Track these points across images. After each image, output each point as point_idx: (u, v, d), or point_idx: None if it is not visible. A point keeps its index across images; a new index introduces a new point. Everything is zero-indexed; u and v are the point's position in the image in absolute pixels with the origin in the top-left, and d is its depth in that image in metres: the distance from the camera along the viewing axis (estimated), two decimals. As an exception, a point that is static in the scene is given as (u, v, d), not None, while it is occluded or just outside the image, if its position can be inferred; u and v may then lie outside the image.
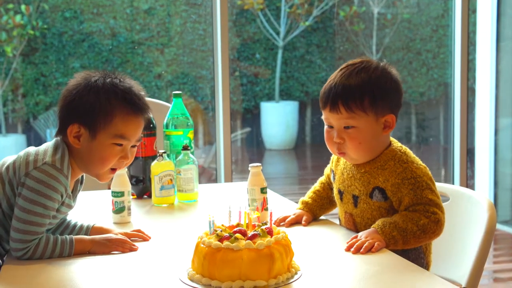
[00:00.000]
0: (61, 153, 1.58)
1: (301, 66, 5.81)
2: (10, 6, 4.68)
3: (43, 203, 1.53)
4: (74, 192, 1.69)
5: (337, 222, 1.87)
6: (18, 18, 4.66)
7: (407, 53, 5.79)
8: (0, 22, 4.68)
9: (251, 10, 5.57)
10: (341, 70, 1.67)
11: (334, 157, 1.84)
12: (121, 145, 1.60)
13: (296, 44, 5.76)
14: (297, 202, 2.00)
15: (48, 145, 1.62)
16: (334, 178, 1.83)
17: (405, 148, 1.70)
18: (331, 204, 1.90)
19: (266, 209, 1.87)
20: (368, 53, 5.68)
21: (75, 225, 1.72)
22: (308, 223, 1.84)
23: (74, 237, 1.60)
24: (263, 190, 1.88)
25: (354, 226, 1.75)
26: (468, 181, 4.17)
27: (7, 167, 1.59)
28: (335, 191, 1.81)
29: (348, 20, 5.65)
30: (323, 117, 1.70)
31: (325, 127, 1.71)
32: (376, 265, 1.48)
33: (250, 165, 1.90)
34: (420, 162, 1.68)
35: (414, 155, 1.70)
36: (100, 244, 1.59)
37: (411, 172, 1.63)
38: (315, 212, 1.89)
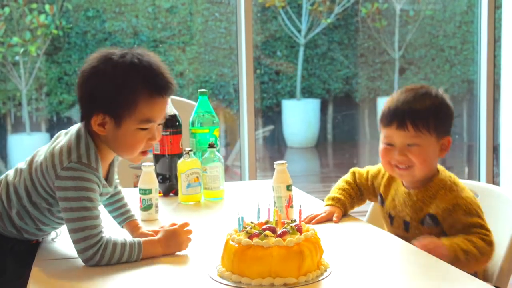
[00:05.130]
0: (85, 146, 1.53)
1: (323, 63, 5.79)
2: (34, 6, 4.73)
3: (86, 196, 1.49)
4: (111, 175, 1.64)
5: (364, 219, 1.86)
6: (42, 17, 4.70)
7: (430, 49, 5.74)
8: (25, 22, 4.73)
9: (272, 8, 5.57)
10: (403, 93, 1.75)
11: (383, 181, 1.86)
12: (147, 128, 1.55)
13: (317, 41, 5.74)
14: (321, 200, 2.00)
15: (70, 139, 1.55)
16: (383, 203, 1.86)
17: (454, 177, 1.77)
18: (358, 200, 1.93)
19: (292, 207, 1.87)
20: (390, 50, 5.65)
21: (124, 206, 1.73)
22: (339, 220, 1.85)
23: (143, 240, 1.53)
24: (288, 188, 1.88)
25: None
26: (494, 178, 4.13)
27: (36, 169, 1.57)
28: (385, 215, 1.85)
29: (370, 17, 5.61)
30: (382, 135, 1.76)
31: (382, 145, 1.76)
32: (407, 264, 1.47)
33: (276, 162, 1.90)
34: (469, 192, 1.73)
35: (463, 185, 1.75)
36: (174, 246, 1.55)
37: (462, 199, 1.68)
38: (346, 207, 1.89)
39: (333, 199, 1.91)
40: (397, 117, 1.71)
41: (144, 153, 1.60)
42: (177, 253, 1.56)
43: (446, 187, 1.72)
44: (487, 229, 1.66)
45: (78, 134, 1.56)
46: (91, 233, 1.48)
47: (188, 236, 1.58)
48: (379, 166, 1.90)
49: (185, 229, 1.59)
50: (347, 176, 1.97)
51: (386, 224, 1.86)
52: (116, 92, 1.51)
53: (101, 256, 1.47)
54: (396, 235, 1.77)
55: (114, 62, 1.52)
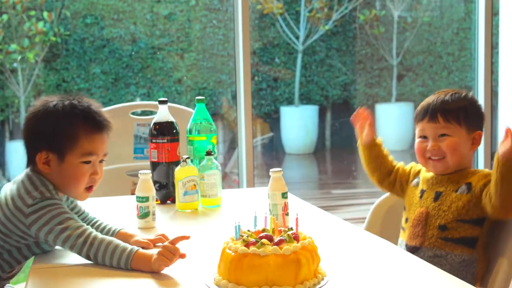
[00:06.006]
0: (41, 184, 1.61)
1: (321, 70, 5.80)
2: (33, 13, 4.74)
3: (61, 211, 1.57)
4: None
5: (363, 227, 1.86)
6: (40, 24, 4.71)
7: (428, 56, 5.75)
8: (23, 29, 4.74)
9: (270, 15, 5.58)
10: (435, 94, 1.93)
11: (421, 168, 1.98)
12: (89, 162, 1.64)
13: (315, 48, 5.75)
14: (318, 207, 2.03)
15: (23, 183, 1.62)
16: (418, 183, 1.95)
17: None
18: (382, 160, 2.03)
19: (287, 214, 1.86)
20: (389, 56, 5.66)
21: (104, 228, 1.73)
22: (369, 122, 2.00)
23: (138, 251, 1.51)
24: (284, 195, 1.87)
25: (425, 222, 1.84)
26: (492, 185, 4.11)
27: None
28: (415, 192, 1.93)
29: (368, 23, 5.63)
30: (417, 130, 1.92)
31: (417, 140, 1.91)
32: (405, 273, 1.47)
33: (271, 170, 1.90)
34: None
35: None
36: (160, 261, 1.47)
37: None
38: (377, 140, 2.02)
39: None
40: (429, 111, 1.88)
41: (89, 189, 1.68)
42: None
43: (486, 171, 1.86)
44: None
45: (29, 177, 1.63)
46: (79, 231, 1.54)
47: (175, 252, 1.49)
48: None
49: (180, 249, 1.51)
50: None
51: (414, 202, 1.91)
52: (57, 127, 1.62)
53: (97, 246, 1.51)
54: (421, 207, 1.86)
55: (54, 103, 1.64)
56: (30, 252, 1.65)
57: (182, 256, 1.50)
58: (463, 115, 1.86)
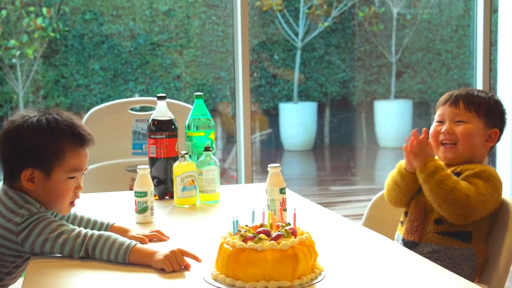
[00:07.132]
0: (23, 201, 1.59)
1: (320, 67, 5.80)
2: (32, 9, 4.73)
3: (51, 220, 1.57)
4: None
5: (360, 222, 1.86)
6: (39, 20, 4.70)
7: (427, 53, 5.75)
8: (22, 25, 4.73)
9: (269, 11, 5.58)
10: (464, 88, 1.98)
11: None
12: (74, 177, 1.64)
13: (314, 45, 5.75)
14: (317, 203, 2.02)
15: (5, 204, 1.59)
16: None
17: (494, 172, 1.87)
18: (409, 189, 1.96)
19: (285, 210, 1.86)
20: (388, 53, 5.66)
21: (95, 222, 1.73)
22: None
23: (136, 246, 1.51)
24: (282, 191, 1.88)
25: (424, 217, 1.85)
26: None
27: None
28: (416, 187, 1.92)
29: (367, 20, 5.62)
30: (436, 114, 1.95)
31: (434, 124, 1.94)
32: (402, 268, 1.47)
33: (269, 165, 1.90)
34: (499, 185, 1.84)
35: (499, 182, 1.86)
36: (163, 263, 1.45)
37: (492, 172, 1.81)
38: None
39: None
40: (452, 97, 1.92)
41: (72, 203, 1.68)
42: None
43: (479, 165, 1.84)
44: (483, 192, 1.76)
45: (8, 196, 1.61)
46: (75, 233, 1.54)
47: (182, 261, 1.48)
48: None
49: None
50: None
51: (413, 196, 1.92)
52: (44, 144, 1.59)
53: (95, 241, 1.51)
54: (419, 201, 1.87)
55: (37, 120, 1.61)
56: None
57: (187, 266, 1.48)
58: (485, 109, 1.89)
